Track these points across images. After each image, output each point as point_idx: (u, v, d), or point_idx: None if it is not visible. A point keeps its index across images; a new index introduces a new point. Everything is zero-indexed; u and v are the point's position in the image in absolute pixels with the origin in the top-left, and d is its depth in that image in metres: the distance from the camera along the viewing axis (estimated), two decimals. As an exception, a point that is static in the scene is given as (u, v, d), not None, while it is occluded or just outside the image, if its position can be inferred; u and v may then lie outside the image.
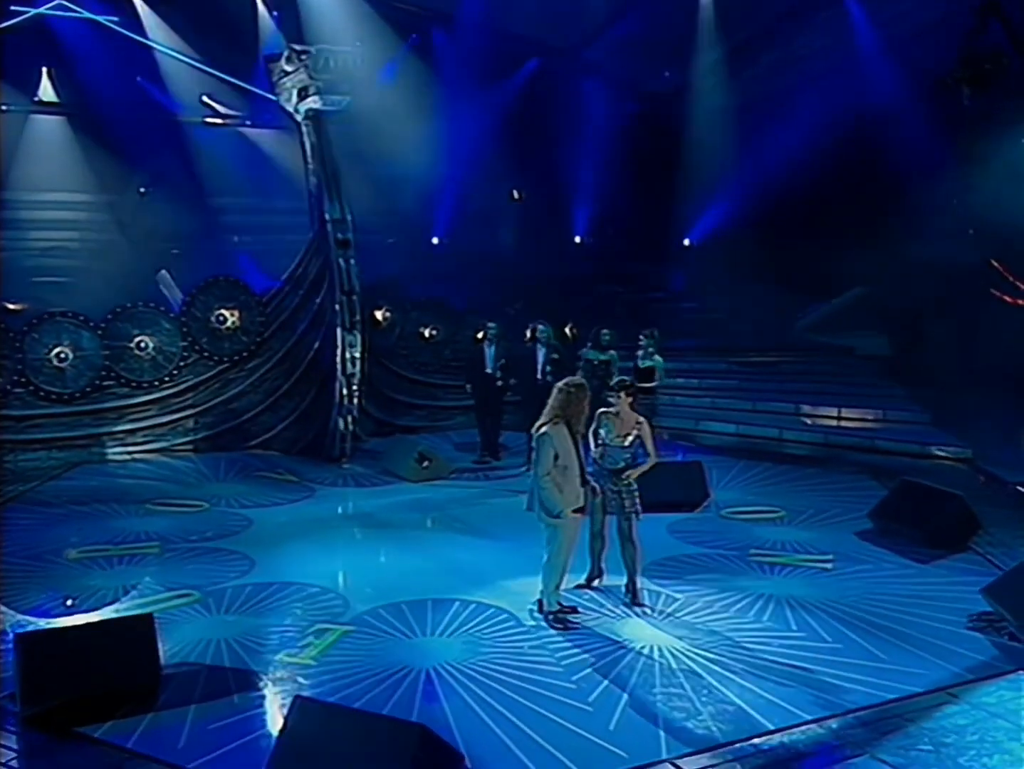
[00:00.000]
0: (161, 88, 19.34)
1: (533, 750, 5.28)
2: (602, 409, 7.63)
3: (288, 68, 11.77)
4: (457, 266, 19.06)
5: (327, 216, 11.84)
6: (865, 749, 5.31)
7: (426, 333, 14.55)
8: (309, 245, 12.41)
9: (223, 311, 12.83)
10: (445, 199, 20.70)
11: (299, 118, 12.13)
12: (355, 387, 11.96)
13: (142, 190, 19.19)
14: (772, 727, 5.53)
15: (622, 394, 7.57)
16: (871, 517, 9.49)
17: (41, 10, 18.08)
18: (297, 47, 11.68)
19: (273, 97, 18.11)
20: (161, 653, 6.10)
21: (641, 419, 7.58)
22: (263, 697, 5.92)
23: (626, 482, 7.49)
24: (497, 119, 19.84)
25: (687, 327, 18.29)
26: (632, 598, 7.43)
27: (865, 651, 6.58)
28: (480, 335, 12.98)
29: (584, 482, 6.96)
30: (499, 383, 12.38)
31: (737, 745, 5.36)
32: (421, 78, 19.12)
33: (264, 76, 16.84)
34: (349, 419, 12.15)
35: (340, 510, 10.58)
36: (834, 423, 14.45)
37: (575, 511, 6.91)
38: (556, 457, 6.77)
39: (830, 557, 8.58)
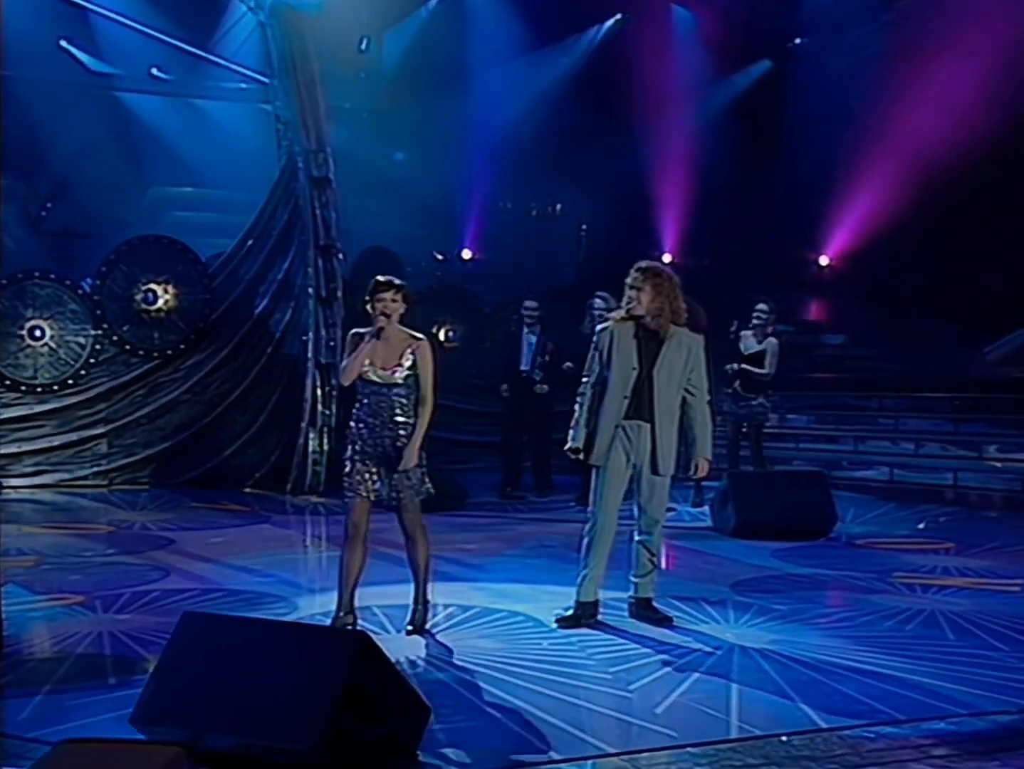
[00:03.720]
0: (92, 50, 20.14)
1: (549, 729, 5.08)
2: (354, 330, 6.71)
3: (251, -58, 12.21)
4: (492, 293, 19.10)
5: (297, 147, 12.07)
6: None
7: (440, 335, 14.57)
8: (273, 190, 12.67)
9: (152, 286, 12.97)
10: (477, 201, 20.94)
11: (262, 17, 12.50)
12: (333, 384, 11.93)
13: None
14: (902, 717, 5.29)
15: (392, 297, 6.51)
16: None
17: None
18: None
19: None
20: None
21: (420, 337, 6.66)
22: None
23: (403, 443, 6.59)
24: (552, 93, 20.17)
25: (827, 365, 18.47)
26: (414, 619, 6.82)
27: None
28: None
29: (629, 415, 6.77)
30: (539, 388, 12.10)
31: (850, 730, 5.08)
32: (452, 43, 19.57)
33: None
34: (324, 433, 12.11)
35: (305, 532, 10.63)
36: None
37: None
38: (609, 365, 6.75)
39: (1018, 581, 8.32)
